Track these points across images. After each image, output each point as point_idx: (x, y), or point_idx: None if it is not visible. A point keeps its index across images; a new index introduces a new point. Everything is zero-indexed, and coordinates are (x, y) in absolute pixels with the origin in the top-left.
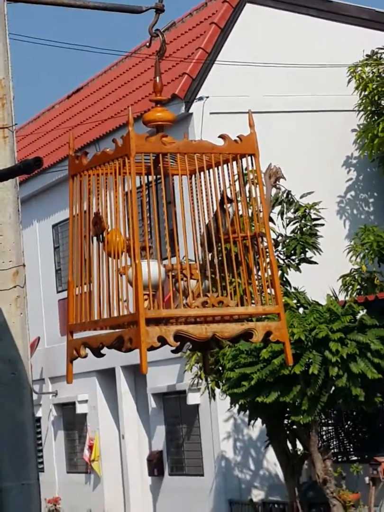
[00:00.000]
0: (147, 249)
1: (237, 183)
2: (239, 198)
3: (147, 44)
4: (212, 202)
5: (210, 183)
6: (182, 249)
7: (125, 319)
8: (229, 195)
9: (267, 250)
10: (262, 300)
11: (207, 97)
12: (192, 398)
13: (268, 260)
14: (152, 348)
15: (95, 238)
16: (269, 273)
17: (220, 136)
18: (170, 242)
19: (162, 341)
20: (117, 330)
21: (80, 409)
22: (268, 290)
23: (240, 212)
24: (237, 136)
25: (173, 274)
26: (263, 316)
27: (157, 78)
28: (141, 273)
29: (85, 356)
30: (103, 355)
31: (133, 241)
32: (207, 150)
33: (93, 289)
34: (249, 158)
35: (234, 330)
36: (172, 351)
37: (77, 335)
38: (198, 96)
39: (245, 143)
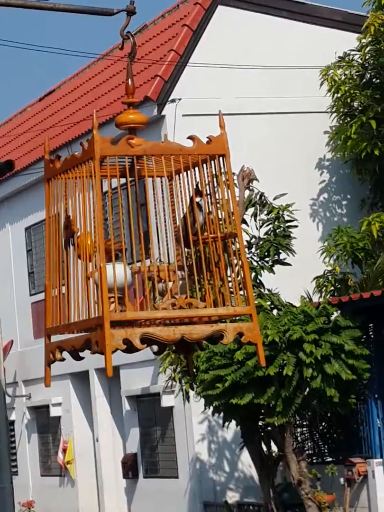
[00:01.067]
0: (112, 252)
1: (210, 183)
2: (211, 200)
3: (120, 46)
4: (182, 203)
5: (180, 185)
6: (156, 252)
7: (93, 322)
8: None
9: (239, 251)
10: (234, 302)
11: (180, 99)
12: (166, 400)
13: (240, 261)
14: (133, 350)
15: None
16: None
17: (189, 137)
18: (144, 244)
19: (128, 343)
20: (86, 333)
21: (54, 412)
22: (240, 292)
23: (212, 214)
24: (207, 137)
25: (148, 276)
26: (238, 318)
27: (129, 80)
28: (106, 276)
29: (62, 360)
30: (82, 358)
31: (98, 244)
32: (175, 151)
33: (65, 292)
34: (220, 159)
35: (204, 332)
36: (154, 353)
37: (54, 338)
38: (170, 98)
39: (215, 144)
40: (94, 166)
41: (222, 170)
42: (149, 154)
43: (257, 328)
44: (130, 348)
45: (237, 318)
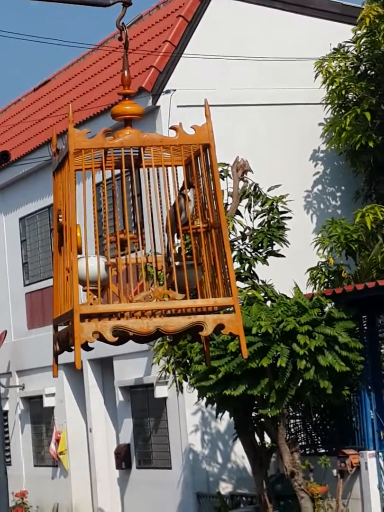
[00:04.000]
0: (85, 246)
1: (199, 174)
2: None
3: (118, 36)
4: (164, 195)
5: (156, 176)
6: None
7: (68, 316)
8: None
9: (223, 240)
10: (216, 292)
11: (174, 90)
12: (160, 391)
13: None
14: (148, 340)
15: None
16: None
17: (171, 128)
18: (132, 234)
19: (100, 336)
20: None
21: (47, 402)
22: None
23: (204, 204)
24: (191, 127)
25: (141, 266)
26: (230, 309)
27: (125, 71)
28: (77, 269)
29: (69, 351)
30: (71, 349)
31: (70, 236)
32: (155, 142)
33: (61, 283)
34: (206, 149)
35: (180, 324)
36: (169, 343)
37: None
38: (165, 89)
39: (199, 134)
40: (69, 160)
41: (208, 160)
42: (127, 146)
43: (240, 319)
44: (102, 338)
45: (231, 309)
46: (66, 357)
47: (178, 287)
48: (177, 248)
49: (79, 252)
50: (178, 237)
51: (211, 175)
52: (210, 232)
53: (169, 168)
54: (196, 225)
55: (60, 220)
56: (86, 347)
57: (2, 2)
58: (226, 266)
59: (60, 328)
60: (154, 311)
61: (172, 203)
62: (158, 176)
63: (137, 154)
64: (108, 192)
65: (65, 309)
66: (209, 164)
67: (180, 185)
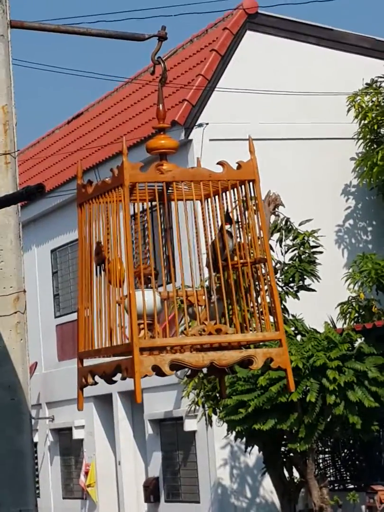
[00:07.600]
0: (141, 277)
1: (238, 209)
2: (239, 225)
3: (151, 70)
4: (211, 228)
5: (211, 209)
6: (184, 276)
7: (122, 349)
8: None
9: (268, 276)
10: (262, 327)
11: (207, 124)
12: (189, 425)
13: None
14: (162, 374)
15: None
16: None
17: (219, 163)
18: (168, 268)
19: (157, 370)
20: (117, 358)
21: (76, 434)
22: (269, 317)
23: (241, 239)
24: (237, 162)
25: (177, 300)
26: (261, 343)
27: (160, 105)
28: (135, 303)
29: (93, 384)
30: (114, 381)
31: (127, 269)
32: (204, 177)
33: (96, 317)
34: (249, 184)
35: (233, 358)
36: (187, 376)
37: (86, 362)
38: (197, 122)
39: (245, 170)
40: (124, 193)
41: (252, 195)
42: (178, 180)
43: (287, 353)
44: (159, 372)
45: (262, 343)
46: (95, 389)
47: (217, 319)
48: (207, 280)
49: (120, 285)
50: (221, 271)
51: (254, 209)
52: (252, 266)
53: (205, 201)
54: (239, 260)
55: (102, 252)
56: (109, 380)
57: (36, 36)
58: (272, 300)
59: (87, 361)
60: (208, 345)
61: (210, 236)
62: (185, 209)
63: (160, 188)
64: (144, 224)
65: (104, 343)
66: (252, 198)
67: (218, 219)
